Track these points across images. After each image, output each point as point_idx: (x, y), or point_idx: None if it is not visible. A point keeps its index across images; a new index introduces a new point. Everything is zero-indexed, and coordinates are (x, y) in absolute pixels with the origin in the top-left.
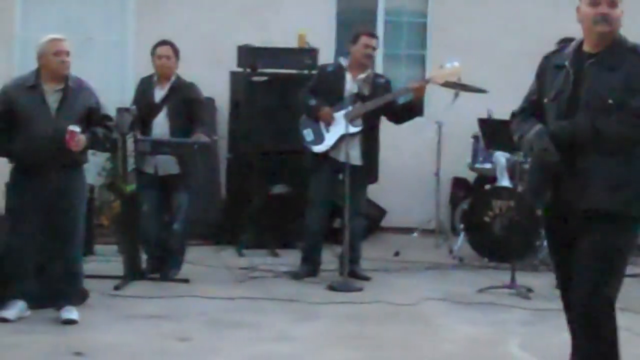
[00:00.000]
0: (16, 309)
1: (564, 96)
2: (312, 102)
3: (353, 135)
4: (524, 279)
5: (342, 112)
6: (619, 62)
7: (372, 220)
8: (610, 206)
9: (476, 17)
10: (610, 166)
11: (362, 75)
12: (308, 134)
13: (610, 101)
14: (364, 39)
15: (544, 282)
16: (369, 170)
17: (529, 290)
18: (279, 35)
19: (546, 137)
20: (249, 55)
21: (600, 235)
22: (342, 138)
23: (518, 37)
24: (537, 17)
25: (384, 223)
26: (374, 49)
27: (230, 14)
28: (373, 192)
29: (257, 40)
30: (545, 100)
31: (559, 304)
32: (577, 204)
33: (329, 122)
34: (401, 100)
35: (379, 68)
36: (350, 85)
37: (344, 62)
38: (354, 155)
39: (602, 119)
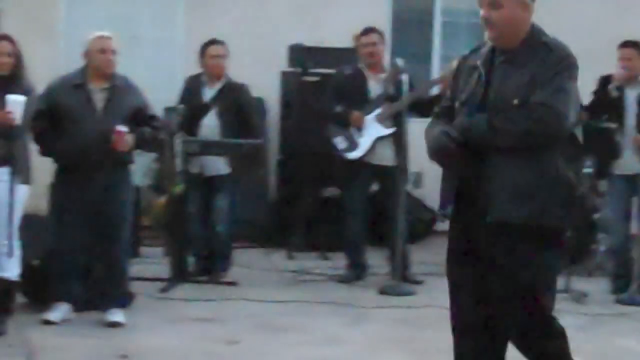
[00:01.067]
0: (61, 311)
1: (475, 99)
2: (339, 108)
3: (386, 136)
4: (579, 283)
5: (372, 114)
6: (528, 59)
7: (425, 224)
8: (517, 217)
9: (532, 17)
10: (517, 172)
11: (384, 75)
12: (340, 142)
13: (515, 101)
14: (361, 39)
15: (599, 287)
16: (402, 169)
17: (584, 295)
18: (332, 34)
19: (445, 137)
20: (300, 55)
21: (512, 252)
22: (376, 141)
23: (575, 38)
24: (595, 18)
25: (437, 226)
26: (374, 44)
27: (282, 12)
28: (425, 195)
29: (309, 39)
30: (457, 104)
31: (613, 309)
32: (483, 216)
33: (360, 127)
34: (429, 93)
35: (436, 68)
36: (374, 85)
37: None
38: (387, 156)
39: (500, 116)
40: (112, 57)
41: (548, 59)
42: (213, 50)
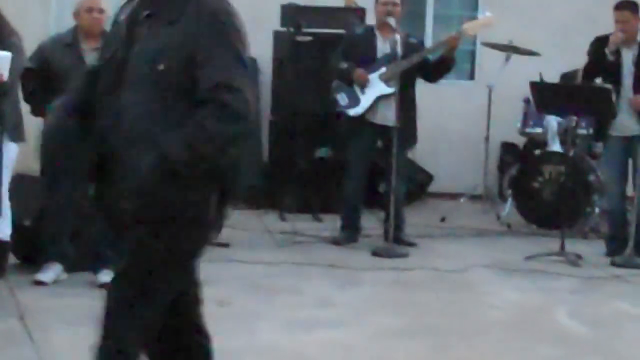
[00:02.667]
0: (53, 272)
1: (114, 62)
2: (344, 65)
3: (389, 96)
4: (574, 246)
5: (376, 73)
6: (179, 13)
7: (419, 186)
8: (134, 210)
9: None
10: (136, 155)
11: (394, 35)
12: (342, 98)
13: (161, 67)
14: None
15: (594, 250)
16: (407, 131)
17: (579, 257)
18: None
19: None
20: (293, 14)
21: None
22: (378, 100)
23: (571, 0)
24: None
25: (431, 188)
26: (394, 4)
27: None
28: (420, 156)
29: None
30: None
31: (608, 272)
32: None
33: (363, 85)
34: (434, 56)
35: (429, 28)
36: (382, 46)
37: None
38: (390, 116)
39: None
40: (99, 15)
41: (202, 15)
42: None
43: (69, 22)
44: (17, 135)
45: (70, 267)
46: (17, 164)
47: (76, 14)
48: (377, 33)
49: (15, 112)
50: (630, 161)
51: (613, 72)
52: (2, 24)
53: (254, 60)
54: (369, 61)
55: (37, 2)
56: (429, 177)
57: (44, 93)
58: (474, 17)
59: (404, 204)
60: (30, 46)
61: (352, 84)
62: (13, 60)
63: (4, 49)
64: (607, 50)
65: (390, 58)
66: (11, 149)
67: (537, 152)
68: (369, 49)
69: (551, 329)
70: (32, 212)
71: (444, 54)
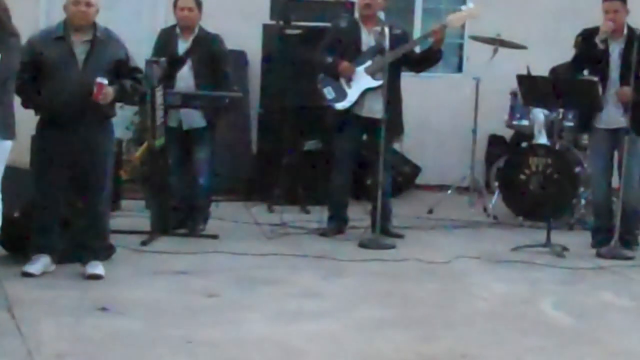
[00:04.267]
0: (41, 263)
1: None
2: (329, 59)
3: (375, 89)
4: (560, 237)
5: (363, 66)
6: None
7: (406, 178)
8: None
9: None
10: None
11: (377, 28)
12: (329, 92)
13: None
14: None
15: (579, 241)
16: (393, 123)
17: (565, 249)
18: None
19: None
20: (282, 7)
21: None
22: (365, 93)
23: None
24: None
25: (418, 180)
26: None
27: None
28: (408, 148)
29: None
30: None
31: (594, 263)
32: None
33: (349, 78)
34: (419, 48)
35: (418, 22)
36: (367, 38)
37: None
38: (377, 109)
39: None
40: (85, 8)
41: None
42: (181, 2)
43: (58, 17)
44: (9, 133)
45: (59, 259)
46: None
47: (65, 7)
48: (362, 25)
49: (6, 111)
50: (615, 153)
51: (601, 63)
52: (4, 24)
53: (243, 53)
54: (354, 54)
55: None
56: (417, 169)
57: (34, 85)
58: (459, 10)
59: (390, 195)
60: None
61: (338, 78)
62: (3, 60)
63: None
64: (597, 39)
65: (375, 50)
66: (3, 147)
67: (524, 144)
68: (353, 42)
69: (537, 319)
70: (21, 204)
71: (431, 47)
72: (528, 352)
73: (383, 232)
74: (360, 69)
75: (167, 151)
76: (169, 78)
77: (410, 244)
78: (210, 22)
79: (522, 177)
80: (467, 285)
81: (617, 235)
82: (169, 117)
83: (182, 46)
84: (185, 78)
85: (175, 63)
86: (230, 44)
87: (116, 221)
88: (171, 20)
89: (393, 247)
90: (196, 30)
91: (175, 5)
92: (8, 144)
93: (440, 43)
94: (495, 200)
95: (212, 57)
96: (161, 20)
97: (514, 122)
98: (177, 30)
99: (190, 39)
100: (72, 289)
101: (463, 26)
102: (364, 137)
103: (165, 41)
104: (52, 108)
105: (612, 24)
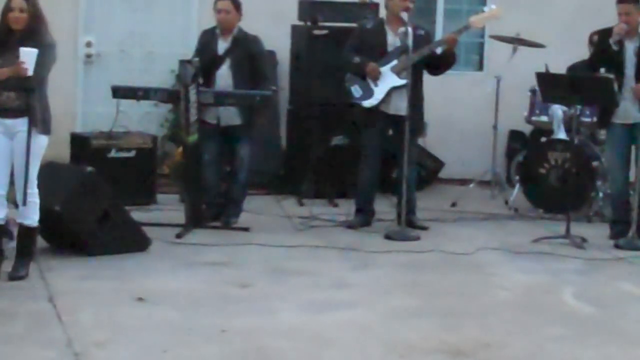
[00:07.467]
0: None
1: None
2: (357, 59)
3: (401, 87)
4: (579, 229)
5: (388, 66)
6: None
7: (430, 172)
8: None
9: None
10: None
11: (402, 29)
12: (356, 91)
13: None
14: None
15: (598, 233)
16: (415, 121)
17: (584, 240)
18: None
19: None
20: (310, 8)
21: None
22: (391, 91)
23: None
24: None
25: (442, 174)
26: (412, 1)
27: None
28: (432, 144)
29: None
30: None
31: (612, 254)
32: None
33: (376, 77)
34: (441, 49)
35: (439, 23)
36: (392, 39)
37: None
38: (402, 106)
39: None
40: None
41: None
42: (220, 5)
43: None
44: (46, 127)
45: (97, 251)
46: (47, 151)
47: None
48: (387, 27)
49: (43, 105)
50: (632, 147)
51: (616, 63)
52: (37, 22)
53: (273, 53)
54: (379, 54)
55: None
56: (440, 164)
57: None
58: (482, 11)
59: (415, 188)
60: None
61: (365, 77)
62: (42, 57)
63: (37, 47)
64: (611, 41)
65: (401, 50)
66: (40, 141)
67: (543, 139)
68: (379, 43)
69: (557, 309)
70: (61, 197)
71: (445, 50)
72: (550, 341)
73: (408, 225)
74: (386, 68)
75: (201, 147)
76: (207, 77)
77: (434, 235)
78: (242, 23)
79: (542, 171)
80: (489, 276)
81: (634, 227)
82: (207, 114)
83: (222, 46)
84: (224, 77)
85: (213, 62)
86: None
87: (152, 214)
88: (204, 20)
89: (418, 238)
90: (235, 31)
91: (214, 6)
92: (45, 138)
93: (453, 46)
94: (515, 194)
95: (250, 57)
96: (194, 21)
97: (534, 118)
98: (217, 30)
99: (230, 39)
100: (110, 280)
101: (484, 26)
102: (390, 133)
103: (206, 41)
104: None
105: (625, 26)
